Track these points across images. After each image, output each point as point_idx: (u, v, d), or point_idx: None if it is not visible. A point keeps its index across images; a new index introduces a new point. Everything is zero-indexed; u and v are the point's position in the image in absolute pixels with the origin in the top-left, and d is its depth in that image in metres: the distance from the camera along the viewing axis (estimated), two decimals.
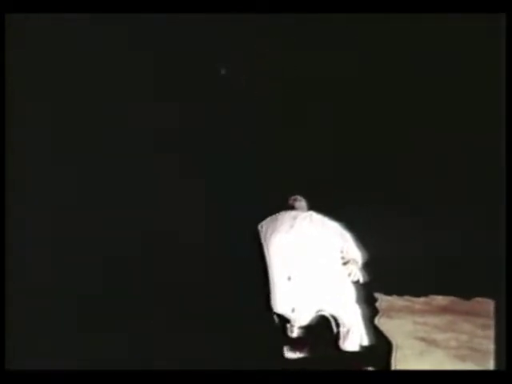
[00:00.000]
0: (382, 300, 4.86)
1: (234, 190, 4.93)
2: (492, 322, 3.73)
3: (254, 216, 4.29)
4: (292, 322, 4.04)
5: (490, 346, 3.82)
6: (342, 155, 5.04)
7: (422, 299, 4.93)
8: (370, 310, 4.38)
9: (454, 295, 4.89)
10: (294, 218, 4.12)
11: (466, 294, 4.84)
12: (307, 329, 4.04)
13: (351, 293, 4.02)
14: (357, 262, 3.97)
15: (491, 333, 3.72)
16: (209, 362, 3.77)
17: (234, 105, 4.97)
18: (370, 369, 3.79)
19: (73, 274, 4.45)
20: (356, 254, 4.01)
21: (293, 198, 4.38)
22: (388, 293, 4.93)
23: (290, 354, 4.01)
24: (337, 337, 4.02)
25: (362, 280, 3.98)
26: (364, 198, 4.92)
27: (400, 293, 4.94)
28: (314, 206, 4.33)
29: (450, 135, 4.83)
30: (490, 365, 3.68)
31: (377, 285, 4.62)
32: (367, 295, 4.32)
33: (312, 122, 5.04)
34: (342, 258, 4.02)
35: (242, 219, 4.51)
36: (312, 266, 3.96)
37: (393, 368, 3.81)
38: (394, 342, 4.14)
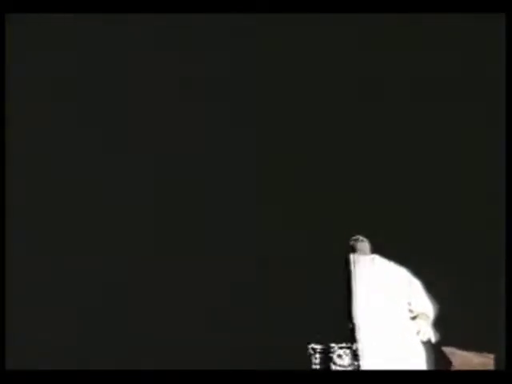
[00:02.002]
0: (456, 355, 3.87)
1: (294, 231, 4.57)
2: None
3: (316, 256, 3.92)
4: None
5: None
6: (410, 193, 4.60)
7: None
8: None
9: None
10: (355, 262, 3.52)
11: None
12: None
13: (421, 355, 3.30)
14: (428, 317, 3.34)
15: None
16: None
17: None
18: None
19: (73, 274, 4.44)
20: (427, 307, 3.36)
21: (354, 238, 3.74)
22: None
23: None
24: None
25: (433, 339, 3.33)
26: (436, 240, 4.40)
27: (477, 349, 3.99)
28: (378, 248, 3.72)
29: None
30: None
31: (449, 342, 3.73)
32: (440, 355, 3.55)
33: (376, 156, 4.72)
34: (410, 311, 3.37)
35: (304, 258, 4.11)
36: (374, 321, 3.29)
37: None
38: None
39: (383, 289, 3.37)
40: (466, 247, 4.44)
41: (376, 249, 3.65)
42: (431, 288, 3.42)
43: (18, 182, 4.31)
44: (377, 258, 3.55)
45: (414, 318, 3.34)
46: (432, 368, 3.30)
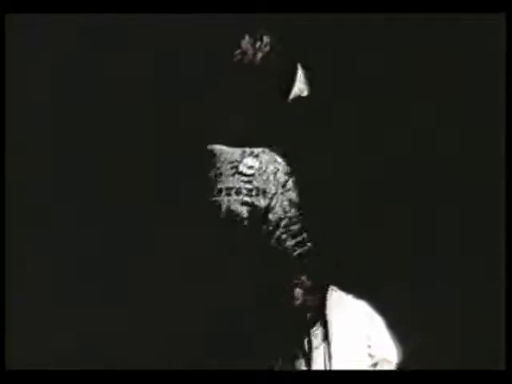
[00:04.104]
0: None
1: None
2: None
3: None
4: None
5: None
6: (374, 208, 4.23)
7: None
8: None
9: None
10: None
11: None
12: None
13: None
14: (390, 363, 2.88)
15: None
16: None
17: None
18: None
19: (73, 273, 4.46)
20: (389, 351, 2.90)
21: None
22: None
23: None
24: None
25: None
26: (404, 269, 4.01)
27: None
28: (335, 280, 3.12)
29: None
30: None
31: None
32: None
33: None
34: (370, 355, 2.90)
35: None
36: (327, 365, 2.82)
37: None
38: None
39: (340, 328, 2.84)
40: (464, 249, 4.43)
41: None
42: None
43: (18, 181, 4.33)
44: (334, 289, 3.03)
45: (374, 366, 2.87)
46: None
